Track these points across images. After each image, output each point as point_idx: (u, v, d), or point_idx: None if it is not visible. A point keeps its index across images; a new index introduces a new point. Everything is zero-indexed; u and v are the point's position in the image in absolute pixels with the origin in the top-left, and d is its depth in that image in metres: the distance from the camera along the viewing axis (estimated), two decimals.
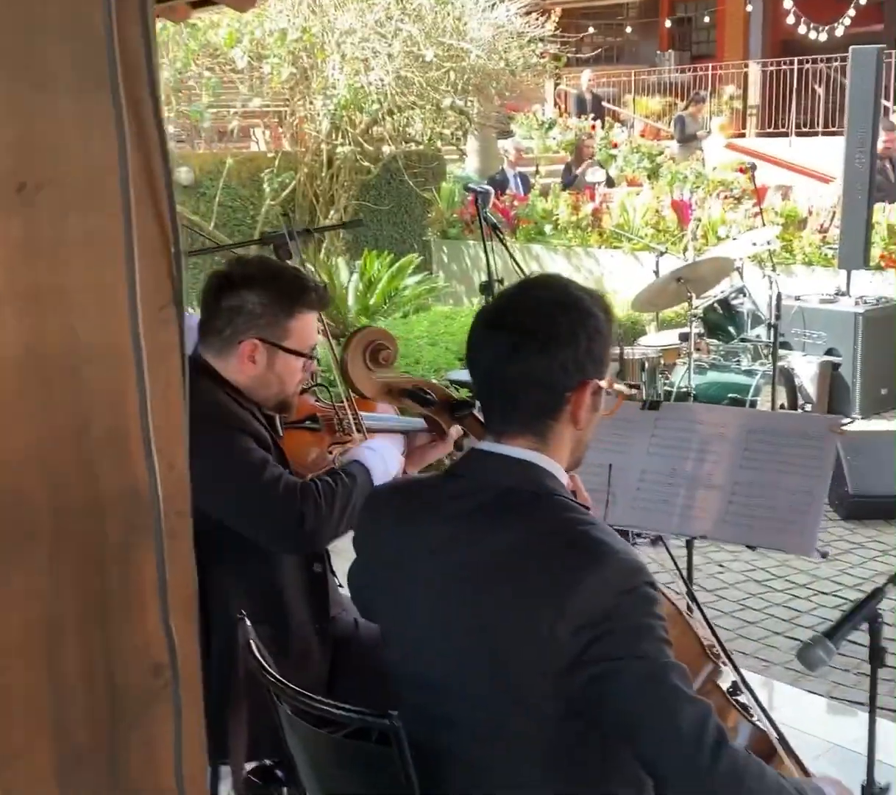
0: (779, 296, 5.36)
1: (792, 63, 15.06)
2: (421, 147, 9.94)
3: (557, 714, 1.44)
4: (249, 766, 2.27)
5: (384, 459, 2.18)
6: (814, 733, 3.11)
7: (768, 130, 15.40)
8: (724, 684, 1.92)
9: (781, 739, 1.87)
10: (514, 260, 4.88)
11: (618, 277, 8.45)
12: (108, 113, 0.83)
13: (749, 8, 15.94)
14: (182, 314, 0.93)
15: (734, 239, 6.75)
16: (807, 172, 12.06)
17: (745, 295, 5.80)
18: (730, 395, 5.46)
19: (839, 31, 11.79)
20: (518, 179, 10.43)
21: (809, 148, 12.91)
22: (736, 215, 8.04)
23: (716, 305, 5.76)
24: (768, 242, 6.47)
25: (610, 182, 11.08)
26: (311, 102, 9.05)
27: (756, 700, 2.03)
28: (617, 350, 5.50)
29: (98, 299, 0.88)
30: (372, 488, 2.11)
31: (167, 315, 0.93)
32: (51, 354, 0.85)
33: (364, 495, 2.05)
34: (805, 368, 6.16)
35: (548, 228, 9.20)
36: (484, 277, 4.49)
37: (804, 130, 14.80)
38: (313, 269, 7.91)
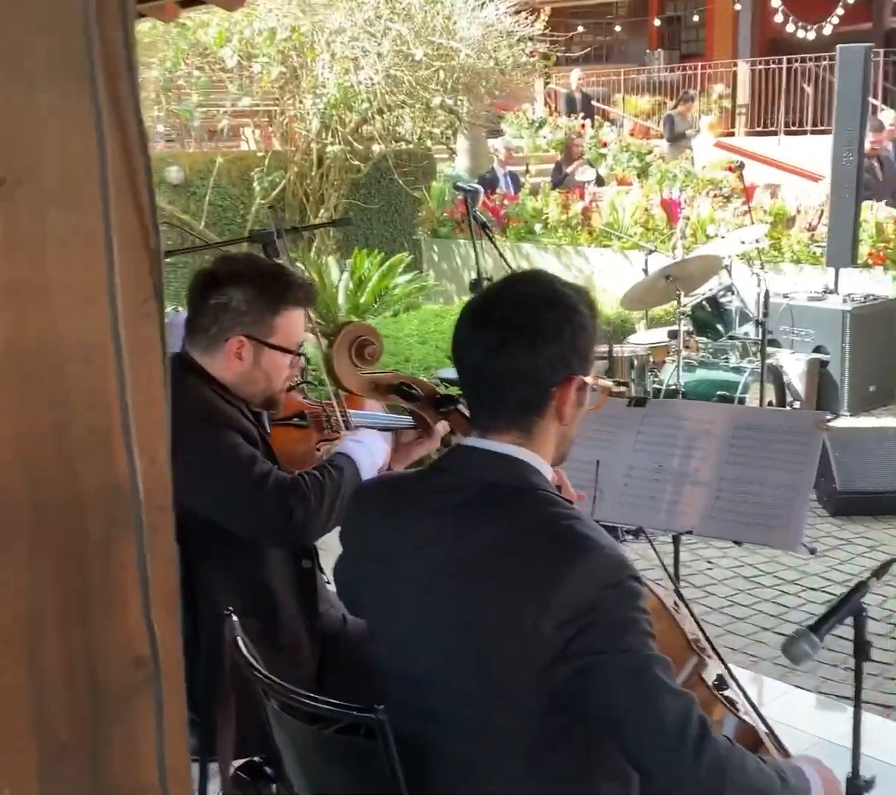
0: (767, 294, 5.38)
1: (780, 62, 15.09)
2: (411, 146, 9.95)
3: (542, 709, 1.44)
4: (239, 763, 2.28)
5: (371, 451, 2.19)
6: (802, 727, 3.12)
7: (757, 129, 15.43)
8: (710, 677, 1.93)
9: (770, 733, 1.89)
10: (504, 259, 4.90)
11: (607, 276, 8.47)
12: (88, 109, 0.84)
13: (738, 7, 15.97)
14: (163, 309, 0.93)
15: (722, 237, 6.77)
16: (795, 170, 12.10)
17: (733, 293, 5.82)
18: (718, 392, 5.48)
19: (827, 30, 11.82)
20: (508, 178, 10.44)
21: (798, 147, 12.95)
22: (725, 214, 8.06)
23: (704, 303, 5.78)
24: (756, 241, 6.49)
25: (599, 181, 11.09)
26: (300, 102, 9.05)
27: (744, 693, 2.05)
28: (606, 348, 5.52)
29: (79, 295, 0.88)
30: (360, 480, 2.12)
31: (148, 310, 0.93)
32: (31, 349, 0.86)
33: (352, 487, 2.06)
34: (793, 365, 6.19)
35: (538, 227, 9.21)
36: (474, 276, 4.50)
37: (793, 128, 14.84)
38: (303, 267, 7.92)
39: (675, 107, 13.91)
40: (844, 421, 6.50)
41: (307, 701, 1.58)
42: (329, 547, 1.96)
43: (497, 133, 13.19)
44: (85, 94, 0.83)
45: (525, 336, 1.53)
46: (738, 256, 6.43)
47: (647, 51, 19.40)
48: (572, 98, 15.00)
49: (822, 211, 7.37)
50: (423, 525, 1.55)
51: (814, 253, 7.36)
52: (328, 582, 2.32)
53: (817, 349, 6.67)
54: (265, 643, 2.09)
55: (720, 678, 1.99)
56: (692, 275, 5.48)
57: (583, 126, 14.09)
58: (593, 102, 15.37)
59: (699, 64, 17.10)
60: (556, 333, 1.54)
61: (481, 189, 7.57)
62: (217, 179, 9.12)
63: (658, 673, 1.42)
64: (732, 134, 15.28)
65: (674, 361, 5.56)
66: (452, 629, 1.49)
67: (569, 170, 11.03)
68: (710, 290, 5.84)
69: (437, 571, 1.51)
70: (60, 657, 0.94)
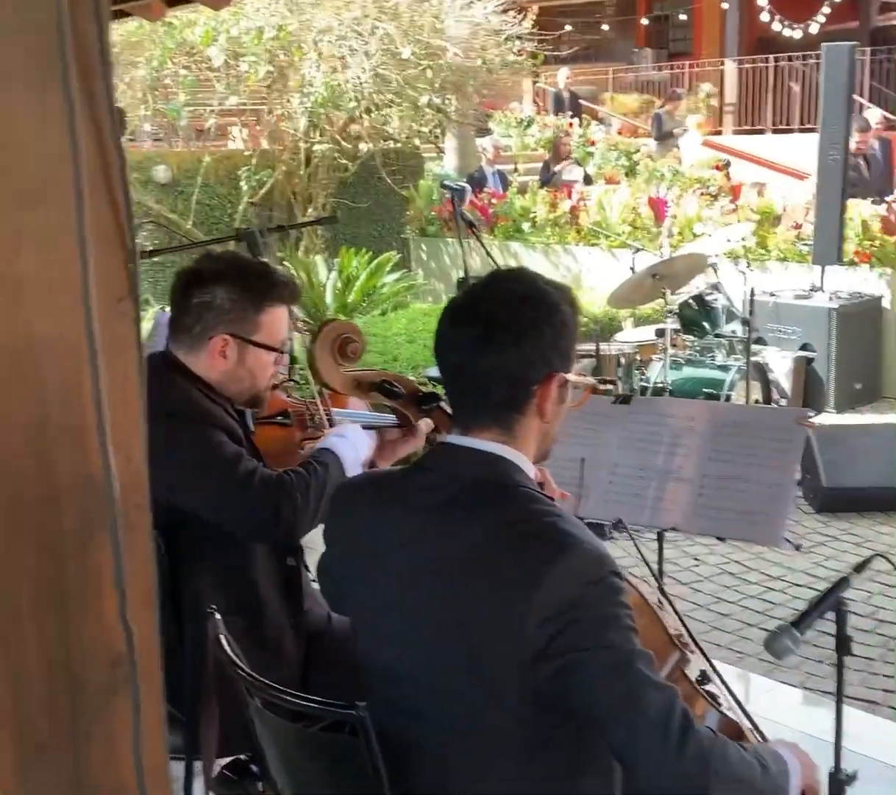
0: (752, 291, 5.40)
1: (768, 60, 15.13)
2: (399, 145, 9.96)
3: (526, 706, 1.45)
4: (225, 761, 2.28)
5: (355, 446, 2.19)
6: (787, 723, 3.14)
7: (744, 127, 15.47)
8: (693, 673, 1.94)
9: (754, 728, 1.90)
10: (491, 257, 4.90)
11: (596, 275, 8.48)
12: (61, 105, 0.84)
13: (725, 6, 16.00)
14: (138, 308, 0.93)
15: (709, 236, 6.79)
16: (783, 168, 12.13)
17: (719, 291, 5.83)
18: (705, 390, 5.49)
19: (814, 29, 11.84)
20: (496, 177, 10.44)
21: (785, 145, 12.97)
22: (712, 212, 8.08)
23: (691, 301, 5.79)
24: (742, 239, 6.52)
25: (587, 180, 11.10)
26: (288, 101, 9.05)
27: (728, 689, 2.06)
28: (593, 346, 5.52)
29: (54, 292, 0.89)
30: (344, 475, 2.13)
31: (124, 308, 0.93)
32: (6, 346, 0.86)
33: (337, 482, 2.07)
34: (780, 363, 6.20)
35: (526, 226, 9.21)
36: (461, 275, 4.51)
37: (780, 126, 14.88)
38: (290, 266, 7.92)
39: (662, 106, 13.92)
40: (830, 418, 6.52)
41: (290, 699, 1.58)
42: (314, 545, 1.97)
43: (485, 132, 13.18)
44: (58, 90, 0.83)
45: (506, 334, 1.53)
46: (724, 254, 6.45)
47: (635, 49, 19.42)
48: (560, 97, 15.00)
49: (809, 209, 7.39)
50: (406, 523, 1.56)
51: (800, 251, 7.38)
52: (313, 580, 2.33)
53: (803, 347, 6.69)
54: (250, 640, 2.10)
55: (703, 673, 2.00)
56: (678, 273, 5.49)
57: (571, 125, 14.10)
58: (581, 101, 15.37)
59: (687, 63, 17.15)
60: (537, 331, 1.55)
61: (468, 188, 7.55)
62: (204, 179, 9.11)
63: (641, 668, 1.43)
64: (720, 132, 15.31)
65: (661, 359, 5.57)
66: (436, 626, 1.49)
67: (557, 169, 11.04)
68: (697, 288, 5.85)
69: (421, 569, 1.52)
70: (39, 654, 0.94)
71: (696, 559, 4.63)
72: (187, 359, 2.17)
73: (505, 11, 9.83)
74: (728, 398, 5.45)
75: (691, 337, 5.92)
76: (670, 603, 2.03)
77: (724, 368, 5.63)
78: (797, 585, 4.30)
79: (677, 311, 5.75)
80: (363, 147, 9.22)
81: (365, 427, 2.30)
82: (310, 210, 9.12)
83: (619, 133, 14.74)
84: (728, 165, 6.81)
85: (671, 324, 5.66)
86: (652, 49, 19.21)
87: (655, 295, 5.60)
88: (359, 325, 6.73)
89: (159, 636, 1.02)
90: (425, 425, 2.22)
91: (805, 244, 7.28)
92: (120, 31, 8.33)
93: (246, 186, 8.86)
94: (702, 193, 8.92)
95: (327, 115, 9.05)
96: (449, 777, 1.52)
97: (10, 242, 0.85)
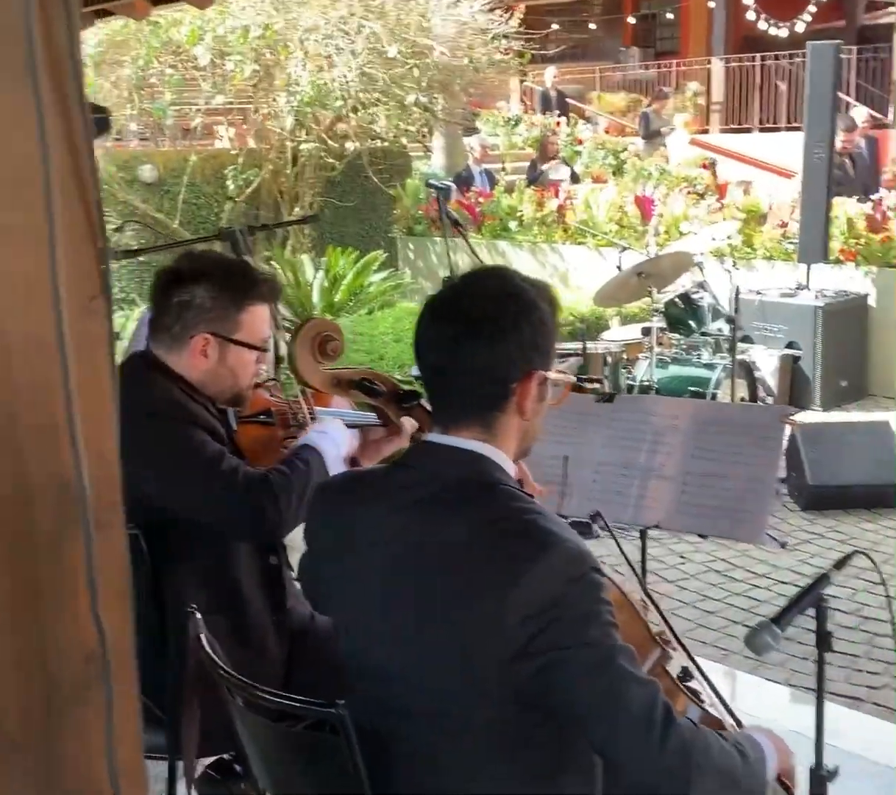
0: (737, 290, 5.41)
1: (754, 59, 15.17)
2: (386, 144, 9.95)
3: (508, 705, 1.45)
4: (208, 761, 2.28)
5: (336, 442, 2.19)
6: (771, 720, 3.14)
7: (731, 126, 15.50)
8: (674, 670, 1.95)
9: (737, 725, 1.90)
10: (476, 256, 4.91)
11: (582, 273, 8.50)
12: (30, 106, 0.84)
13: (711, 4, 16.03)
14: (110, 307, 0.93)
15: (695, 234, 6.80)
16: (770, 167, 12.16)
17: (705, 290, 5.84)
18: (691, 388, 5.51)
19: (800, 28, 11.87)
20: (484, 176, 10.45)
21: (772, 143, 13.01)
22: (698, 211, 8.09)
23: (677, 299, 5.80)
24: (729, 237, 6.53)
25: (574, 178, 11.11)
26: (274, 99, 9.04)
27: (710, 685, 2.07)
28: (580, 345, 5.53)
29: (25, 291, 0.89)
30: (326, 471, 2.13)
31: (96, 307, 0.93)
32: None
33: (320, 479, 2.07)
34: (766, 361, 6.23)
35: (513, 225, 9.22)
36: (448, 274, 4.51)
37: (767, 125, 14.92)
38: (277, 265, 7.91)
39: (650, 104, 13.94)
40: (816, 416, 6.55)
41: (270, 698, 1.58)
42: (296, 544, 1.97)
43: (473, 131, 13.19)
44: (26, 90, 0.83)
45: (484, 332, 1.53)
46: (711, 252, 6.47)
47: (622, 48, 19.44)
48: (547, 96, 15.01)
49: (794, 207, 7.41)
50: (387, 521, 1.56)
51: (786, 249, 7.40)
52: (296, 579, 2.33)
53: (789, 345, 6.72)
54: (232, 639, 2.10)
55: (684, 670, 2.00)
56: (664, 272, 5.50)
57: (558, 124, 14.11)
58: (568, 100, 15.38)
59: (674, 61, 17.18)
60: (516, 328, 1.55)
61: (453, 186, 7.58)
62: (191, 178, 9.09)
63: (622, 664, 1.44)
64: (707, 131, 15.34)
65: (647, 357, 5.58)
66: (417, 624, 1.49)
67: (544, 168, 11.05)
68: (683, 286, 5.86)
69: (402, 567, 1.52)
70: (12, 653, 0.94)
71: (682, 557, 4.64)
72: (168, 358, 2.16)
73: (491, 10, 9.83)
74: (714, 397, 5.46)
75: (677, 335, 5.93)
76: (652, 601, 2.04)
77: (711, 366, 5.64)
78: (783, 582, 4.32)
79: (663, 309, 5.76)
80: (350, 146, 9.21)
81: (348, 426, 2.30)
82: (297, 209, 9.10)
83: (607, 132, 14.75)
84: (714, 163, 6.82)
85: (657, 322, 5.67)
86: (639, 48, 19.24)
87: (641, 294, 5.61)
88: (346, 324, 6.71)
89: (134, 634, 1.02)
90: (409, 423, 2.22)
91: (791, 243, 7.30)
92: (105, 30, 8.31)
93: (232, 186, 8.84)
94: (688, 192, 8.94)
95: (314, 114, 9.04)
96: (431, 776, 1.52)
97: None
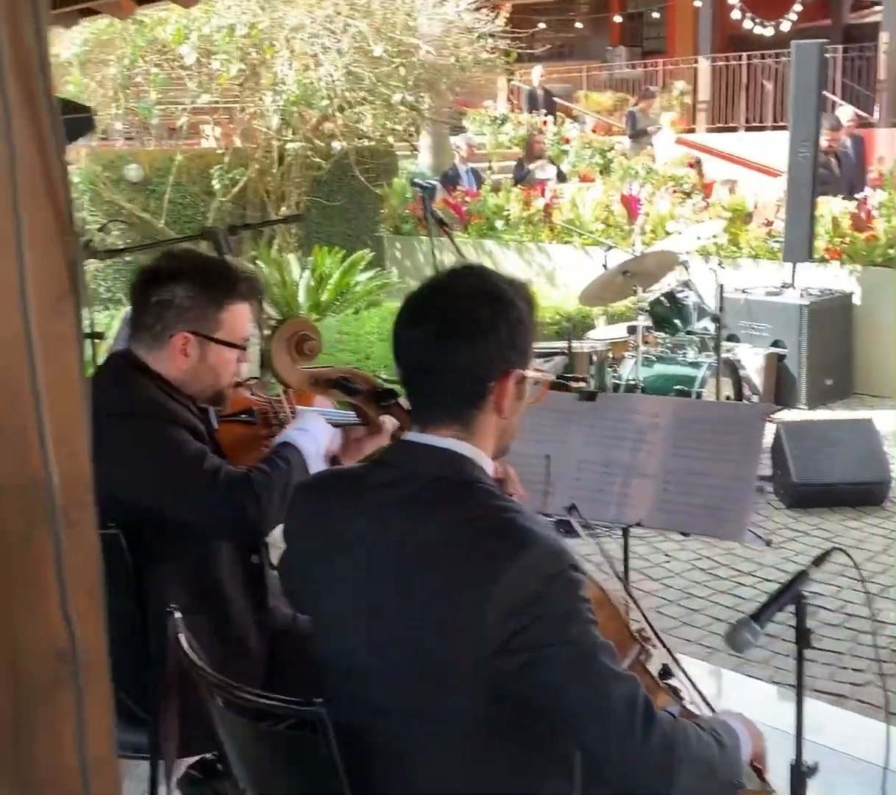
0: (721, 288, 5.43)
1: (740, 58, 15.21)
2: (372, 143, 9.95)
3: (488, 702, 1.45)
4: (192, 760, 2.28)
5: (315, 439, 2.19)
6: (755, 717, 3.15)
7: (718, 125, 15.54)
8: (654, 667, 1.95)
9: None
10: (461, 255, 4.92)
11: (569, 272, 8.51)
12: None
13: (698, 3, 16.07)
14: (80, 306, 0.93)
15: (680, 233, 6.82)
16: (756, 166, 12.21)
17: (690, 288, 5.86)
18: (676, 387, 5.52)
19: (785, 27, 11.91)
20: (470, 175, 10.46)
21: (758, 142, 13.06)
22: (684, 210, 8.12)
23: (662, 298, 5.82)
24: (714, 236, 6.55)
25: (561, 177, 11.13)
26: (260, 99, 9.03)
27: (691, 683, 2.08)
28: (565, 344, 5.54)
29: None
30: (307, 468, 2.13)
31: (64, 307, 0.93)
32: None
33: (300, 476, 2.08)
34: (751, 359, 6.25)
35: (499, 224, 9.23)
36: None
37: (753, 124, 14.97)
38: (264, 264, 7.91)
39: (636, 103, 13.97)
40: (802, 414, 6.57)
41: (249, 697, 1.58)
42: (279, 542, 1.97)
43: (459, 130, 13.19)
44: None
45: (461, 331, 1.54)
46: (697, 251, 6.49)
47: (609, 47, 19.48)
48: (534, 95, 15.04)
49: (780, 206, 7.44)
50: (366, 520, 1.56)
51: (771, 248, 7.43)
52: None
53: (775, 344, 6.75)
54: (214, 638, 2.10)
55: (665, 667, 2.01)
56: (649, 271, 5.51)
57: (545, 123, 14.13)
58: (555, 99, 15.41)
59: (660, 60, 17.22)
60: (493, 327, 1.55)
61: (439, 185, 7.58)
62: (177, 177, 9.08)
63: (603, 660, 1.45)
64: (693, 130, 15.38)
65: (633, 356, 5.59)
66: (397, 622, 1.50)
67: (530, 167, 11.07)
68: (668, 285, 5.88)
69: (381, 565, 1.52)
70: None
71: (667, 555, 4.65)
72: (149, 358, 2.16)
73: (478, 9, 9.84)
74: (699, 395, 5.47)
75: (663, 334, 5.94)
76: (632, 598, 2.05)
77: (696, 364, 5.66)
78: (767, 580, 4.33)
79: (648, 308, 5.78)
80: (336, 145, 9.20)
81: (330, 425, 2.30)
82: (283, 208, 9.09)
83: (594, 131, 14.78)
84: (699, 162, 6.84)
85: (643, 321, 5.68)
86: (626, 47, 19.28)
87: (627, 293, 5.62)
88: (332, 323, 6.71)
89: (107, 633, 1.02)
90: (390, 422, 2.22)
91: (776, 241, 7.32)
92: (90, 29, 8.30)
93: (218, 185, 8.83)
94: (674, 191, 8.96)
95: (300, 113, 9.03)
96: (410, 775, 1.52)
97: None
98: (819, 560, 2.02)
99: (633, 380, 5.49)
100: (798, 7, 12.19)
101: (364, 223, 10.40)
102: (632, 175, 10.76)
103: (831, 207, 7.24)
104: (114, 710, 1.03)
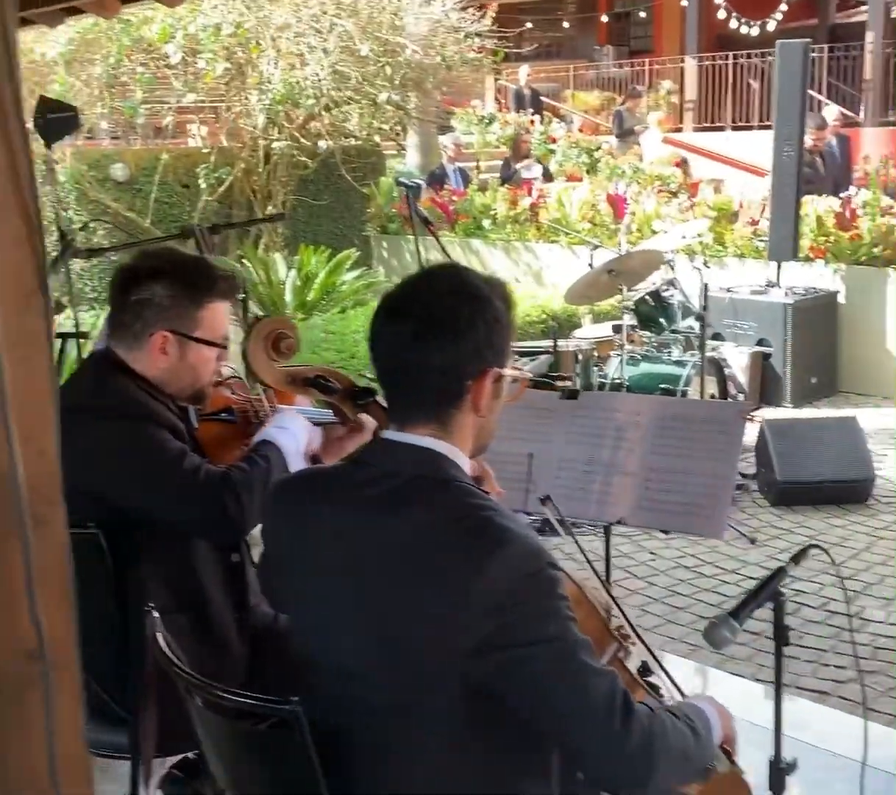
0: (705, 287, 5.44)
1: (727, 58, 15.24)
2: (359, 142, 9.94)
3: (466, 701, 1.46)
4: (175, 759, 2.28)
5: (295, 436, 2.19)
6: (738, 714, 3.16)
7: (704, 124, 15.58)
8: (633, 664, 1.96)
9: None
10: (446, 253, 4.91)
11: (556, 271, 8.52)
12: None
13: (684, 3, 16.09)
14: (49, 304, 0.93)
15: (665, 232, 6.83)
16: (743, 165, 12.24)
17: (675, 287, 5.87)
18: (661, 385, 5.52)
19: (771, 26, 11.93)
20: (457, 174, 10.46)
21: (745, 142, 13.09)
22: (670, 209, 8.13)
23: (647, 297, 5.82)
24: (699, 235, 6.56)
25: (548, 177, 11.15)
26: (246, 98, 9.02)
27: (671, 680, 2.08)
28: (551, 343, 5.54)
29: None
30: (286, 466, 2.13)
31: (33, 304, 0.93)
32: None
33: (280, 474, 2.08)
34: (736, 358, 6.27)
35: (486, 223, 9.23)
36: None
37: (740, 123, 15.00)
38: (250, 264, 7.90)
39: (623, 103, 14.00)
40: (787, 412, 6.59)
41: (226, 696, 1.58)
42: (260, 541, 1.97)
43: (447, 129, 13.20)
44: None
45: (438, 329, 1.54)
46: (682, 250, 6.50)
47: (596, 47, 19.50)
48: (521, 94, 15.05)
49: (765, 205, 7.46)
50: (344, 519, 1.56)
51: (756, 247, 7.45)
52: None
53: (760, 342, 6.77)
54: (194, 637, 2.10)
55: (644, 664, 2.02)
56: (634, 270, 5.52)
57: (532, 122, 14.14)
58: (542, 98, 15.42)
59: (647, 60, 17.24)
60: (470, 326, 1.55)
61: (423, 184, 7.57)
62: (163, 176, 9.06)
63: (583, 658, 1.45)
64: (680, 130, 15.41)
65: (618, 355, 5.60)
66: (375, 620, 1.50)
67: (518, 166, 11.08)
68: (653, 284, 5.89)
69: (358, 564, 1.52)
70: None
71: (652, 554, 4.66)
72: (128, 356, 2.16)
73: (464, 9, 9.84)
74: (685, 394, 5.48)
75: (648, 333, 5.95)
76: (611, 595, 2.05)
77: (681, 363, 5.67)
78: (752, 578, 4.34)
79: (634, 307, 5.79)
80: (323, 144, 9.19)
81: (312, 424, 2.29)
82: (270, 208, 9.08)
83: (581, 130, 14.79)
84: (685, 161, 6.86)
85: (628, 320, 5.69)
86: (613, 46, 19.30)
87: (612, 291, 5.63)
88: (318, 323, 6.68)
89: (77, 632, 1.02)
90: (371, 421, 2.23)
91: (761, 240, 7.34)
92: (76, 28, 8.28)
93: (204, 184, 8.81)
94: (660, 190, 8.98)
95: (286, 112, 9.02)
96: (387, 774, 1.53)
97: None
98: (797, 558, 2.03)
99: (619, 379, 5.49)
100: (784, 7, 12.22)
101: (351, 222, 10.40)
102: (618, 174, 10.77)
103: (816, 207, 7.26)
104: (86, 709, 1.03)
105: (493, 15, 11.00)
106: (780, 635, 2.04)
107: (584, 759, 1.51)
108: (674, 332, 5.85)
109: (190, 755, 2.28)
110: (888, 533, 4.81)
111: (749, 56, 14.75)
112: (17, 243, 0.93)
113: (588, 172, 12.07)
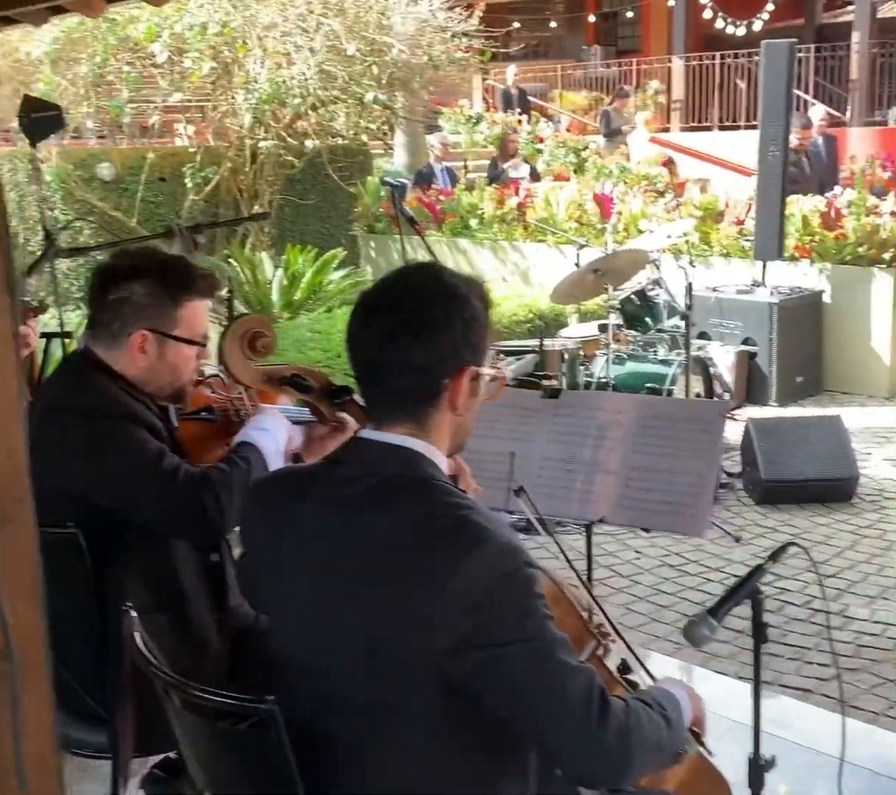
0: (690, 286, 5.45)
1: (714, 57, 15.28)
2: (346, 142, 9.93)
3: (443, 700, 1.46)
4: (157, 759, 2.28)
5: (274, 436, 2.19)
6: (721, 712, 3.17)
7: (692, 124, 15.61)
8: (613, 662, 1.97)
9: None
10: (432, 253, 4.92)
11: (543, 271, 8.52)
12: None
13: (671, 3, 16.12)
14: (14, 303, 0.93)
15: (651, 232, 6.84)
16: (729, 165, 12.26)
17: (661, 286, 5.88)
18: (647, 384, 5.54)
19: (757, 26, 11.96)
20: (444, 174, 10.46)
21: (732, 141, 13.11)
22: (656, 209, 8.15)
23: (633, 296, 5.83)
24: (685, 234, 6.57)
25: (535, 176, 11.15)
26: (233, 97, 8.99)
27: (651, 677, 2.09)
28: (537, 342, 5.55)
29: None
30: (266, 467, 2.13)
31: (0, 303, 0.93)
32: None
33: (260, 474, 2.07)
34: (722, 357, 6.28)
35: (473, 222, 9.23)
36: None
37: (727, 123, 15.03)
38: (236, 263, 7.88)
39: (611, 103, 14.01)
40: (772, 411, 6.61)
41: (202, 695, 1.57)
42: (239, 542, 1.97)
43: (434, 128, 13.19)
44: None
45: (415, 328, 1.54)
46: (669, 249, 6.51)
47: (584, 47, 19.52)
48: (509, 94, 15.06)
49: (751, 205, 7.48)
50: (321, 518, 1.56)
51: (742, 246, 7.47)
52: None
53: (745, 341, 6.79)
54: (173, 637, 2.10)
55: (624, 662, 2.02)
56: (620, 269, 5.53)
57: (519, 122, 14.15)
58: (530, 98, 15.44)
59: (635, 60, 17.27)
60: (447, 324, 1.55)
61: (408, 184, 7.57)
62: (149, 176, 9.03)
63: (560, 656, 1.46)
64: (668, 129, 15.44)
65: (604, 354, 5.61)
66: (353, 619, 1.50)
67: (505, 166, 11.09)
68: (639, 284, 5.90)
69: (336, 562, 1.52)
70: None
71: (636, 552, 4.67)
72: (107, 356, 2.15)
73: (451, 8, 9.83)
74: (670, 393, 5.50)
75: (634, 332, 5.96)
76: (590, 593, 2.05)
77: (667, 362, 5.68)
78: (736, 576, 4.32)
79: (620, 306, 5.79)
80: (309, 144, 9.17)
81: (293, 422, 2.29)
82: (256, 207, 9.06)
83: (568, 130, 14.81)
84: (672, 161, 6.87)
85: (614, 319, 5.70)
86: (600, 46, 19.33)
87: (598, 291, 5.64)
88: (304, 322, 6.66)
89: (46, 631, 1.01)
90: (354, 419, 2.22)
91: (747, 240, 7.36)
92: (61, 27, 8.24)
93: (191, 183, 8.79)
94: (647, 190, 8.99)
95: (273, 111, 9.00)
96: (364, 773, 1.53)
97: None
98: (775, 555, 2.03)
99: (605, 378, 5.50)
100: (770, 6, 12.24)
101: (338, 222, 10.38)
102: (605, 174, 10.79)
103: (801, 206, 7.28)
104: (55, 708, 1.03)
105: (481, 14, 10.99)
106: (759, 632, 2.04)
107: (562, 757, 1.51)
108: (659, 331, 5.86)
109: (171, 754, 2.27)
110: (872, 532, 4.83)
111: (736, 56, 14.79)
112: None
113: (575, 171, 12.08)
